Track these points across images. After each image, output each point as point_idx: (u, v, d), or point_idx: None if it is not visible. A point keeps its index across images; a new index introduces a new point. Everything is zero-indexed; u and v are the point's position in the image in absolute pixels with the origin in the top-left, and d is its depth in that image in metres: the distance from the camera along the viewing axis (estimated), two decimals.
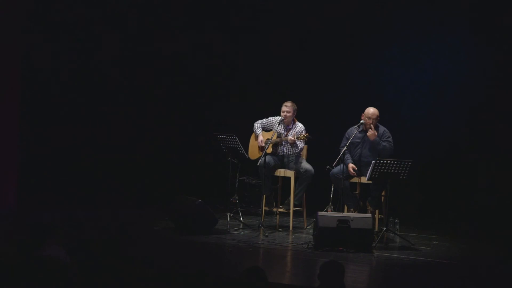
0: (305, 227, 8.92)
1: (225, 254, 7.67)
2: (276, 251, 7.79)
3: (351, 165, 8.45)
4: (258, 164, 8.59)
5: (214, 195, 9.63)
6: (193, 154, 10.66)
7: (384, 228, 8.08)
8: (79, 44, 10.27)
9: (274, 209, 8.94)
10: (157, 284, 4.73)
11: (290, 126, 8.81)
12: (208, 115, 10.76)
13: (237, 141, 8.62)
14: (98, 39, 10.39)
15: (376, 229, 8.22)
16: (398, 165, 7.85)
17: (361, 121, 8.45)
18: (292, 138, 8.52)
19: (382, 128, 8.56)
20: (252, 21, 10.43)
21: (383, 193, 8.28)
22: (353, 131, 8.50)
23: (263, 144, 8.75)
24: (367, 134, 8.41)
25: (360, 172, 8.48)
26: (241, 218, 8.95)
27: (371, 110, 8.46)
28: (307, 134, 8.55)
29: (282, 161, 8.86)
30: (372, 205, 8.41)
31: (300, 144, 8.65)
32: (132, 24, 10.59)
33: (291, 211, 8.77)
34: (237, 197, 9.37)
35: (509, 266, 7.53)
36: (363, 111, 8.44)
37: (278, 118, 8.79)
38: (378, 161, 7.90)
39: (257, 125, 8.99)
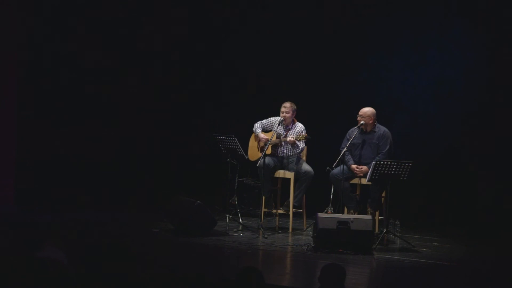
0: (305, 228, 8.89)
1: (224, 255, 7.64)
2: (275, 253, 7.76)
3: (354, 165, 8.43)
4: (257, 165, 8.55)
5: (213, 196, 9.59)
6: (192, 155, 10.62)
7: (385, 230, 8.05)
8: (79, 44, 10.23)
9: (274, 211, 8.89)
10: (156, 286, 4.69)
11: (290, 126, 8.77)
12: (207, 116, 10.71)
13: (236, 142, 8.59)
14: (97, 39, 10.35)
15: (377, 230, 8.18)
16: (398, 166, 7.82)
17: (362, 122, 8.43)
18: (292, 139, 8.48)
19: (382, 128, 8.53)
20: (251, 20, 10.39)
21: (383, 195, 8.25)
22: (354, 132, 8.47)
23: (266, 137, 8.69)
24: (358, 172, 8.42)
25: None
26: (240, 220, 8.91)
27: (364, 109, 8.47)
28: (306, 134, 8.51)
29: (282, 162, 8.82)
30: (372, 206, 8.37)
31: (301, 144, 8.62)
32: (130, 23, 10.55)
33: (290, 213, 8.73)
34: (236, 199, 9.34)
35: (509, 268, 7.50)
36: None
37: (278, 119, 8.75)
38: (378, 162, 7.87)
39: (257, 125, 8.95)
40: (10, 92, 9.34)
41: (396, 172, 7.84)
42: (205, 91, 10.80)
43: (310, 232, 8.31)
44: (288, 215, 8.78)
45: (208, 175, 10.33)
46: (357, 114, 8.48)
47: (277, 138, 8.71)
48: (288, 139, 8.55)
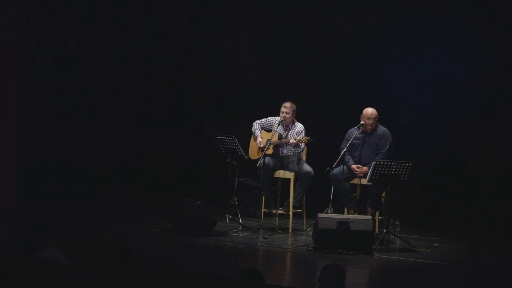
0: (305, 229, 8.88)
1: (224, 256, 7.63)
2: (275, 253, 7.75)
3: (354, 165, 8.42)
4: (257, 165, 8.54)
5: (213, 196, 9.58)
6: (191, 156, 10.61)
7: (385, 230, 8.04)
8: (78, 45, 10.22)
9: (274, 211, 8.88)
10: (155, 287, 4.68)
11: (290, 127, 8.76)
12: (207, 116, 10.71)
13: (236, 142, 8.58)
14: (96, 39, 10.34)
15: (377, 231, 8.16)
16: (398, 167, 7.81)
17: (361, 122, 8.42)
18: (294, 142, 8.46)
19: (382, 129, 8.53)
20: (250, 20, 10.39)
21: (383, 195, 8.25)
22: (353, 132, 8.47)
23: (262, 145, 8.70)
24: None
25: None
26: (240, 220, 8.90)
27: (369, 111, 8.45)
28: (308, 137, 8.48)
29: (282, 163, 8.81)
30: (372, 206, 8.37)
31: (302, 144, 8.60)
32: (131, 25, 10.54)
33: (290, 213, 8.72)
34: (236, 199, 9.33)
35: (509, 268, 7.49)
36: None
37: (277, 118, 8.74)
38: (378, 163, 7.86)
39: (256, 125, 8.94)
40: (10, 92, 9.32)
41: (396, 173, 7.83)
42: (206, 91, 10.79)
43: (310, 233, 8.30)
44: (288, 215, 8.77)
45: (208, 175, 10.32)
46: (361, 115, 8.44)
47: (278, 138, 8.70)
48: (291, 141, 8.52)
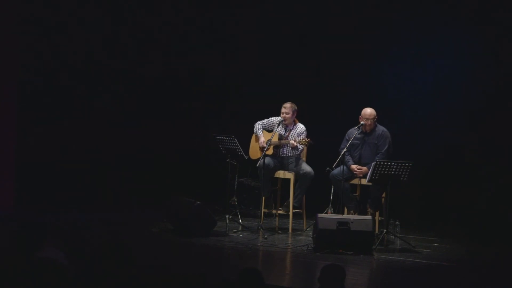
0: (305, 229, 8.87)
1: (224, 256, 7.63)
2: (275, 253, 7.76)
3: (354, 166, 8.42)
4: (257, 165, 8.54)
5: (213, 196, 9.58)
6: (191, 156, 10.61)
7: (385, 230, 8.04)
8: (77, 44, 10.22)
9: (274, 211, 8.88)
10: (155, 287, 4.68)
11: (291, 127, 8.76)
12: (207, 116, 10.70)
13: (235, 142, 8.58)
14: (96, 38, 10.34)
15: (377, 231, 8.16)
16: (398, 167, 7.81)
17: (361, 123, 8.42)
18: (294, 143, 8.46)
19: (380, 128, 8.53)
20: (250, 20, 10.39)
21: (383, 195, 8.24)
22: (353, 132, 8.47)
23: (265, 145, 8.69)
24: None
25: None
26: (240, 220, 8.90)
27: (368, 111, 8.45)
28: (308, 139, 8.48)
29: (282, 163, 8.81)
30: (372, 207, 8.37)
31: (301, 146, 8.60)
32: (131, 24, 10.54)
33: (290, 213, 8.72)
34: (236, 199, 9.32)
35: (509, 268, 7.49)
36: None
37: (278, 119, 8.74)
38: (378, 163, 7.86)
39: (258, 125, 8.94)
40: (10, 92, 9.32)
41: (396, 173, 7.83)
42: (206, 91, 10.78)
43: (310, 233, 8.30)
44: (288, 215, 8.77)
45: (208, 175, 10.31)
46: (359, 115, 8.45)
47: (279, 139, 8.69)
48: (290, 142, 8.52)
